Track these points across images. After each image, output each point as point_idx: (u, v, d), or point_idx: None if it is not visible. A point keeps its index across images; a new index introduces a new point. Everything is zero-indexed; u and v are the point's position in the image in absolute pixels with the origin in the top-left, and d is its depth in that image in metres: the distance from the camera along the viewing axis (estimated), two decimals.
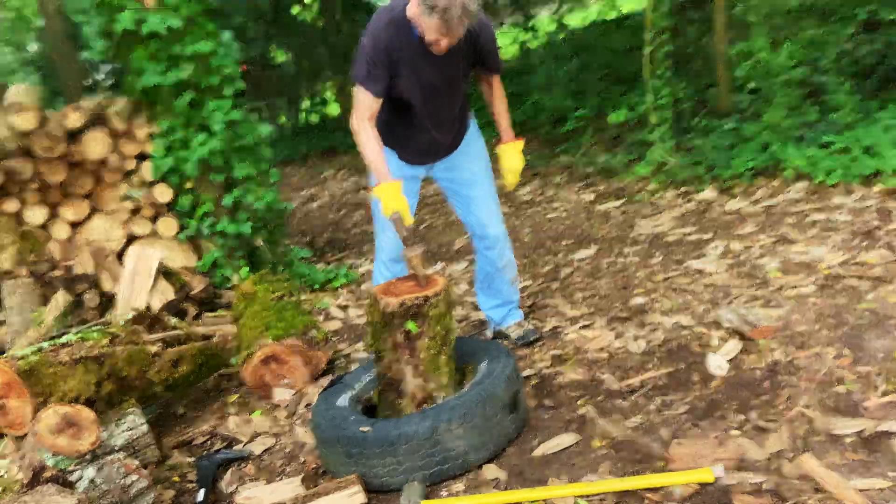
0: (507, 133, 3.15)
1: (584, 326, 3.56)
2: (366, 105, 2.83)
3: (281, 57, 14.40)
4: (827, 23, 6.54)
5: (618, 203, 5.84)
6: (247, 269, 4.92)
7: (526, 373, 3.16)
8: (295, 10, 14.38)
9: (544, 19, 14.01)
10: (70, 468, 2.34)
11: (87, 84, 11.14)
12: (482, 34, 2.85)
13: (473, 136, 3.18)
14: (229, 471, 2.82)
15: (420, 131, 3.03)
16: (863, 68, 5.92)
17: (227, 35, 4.95)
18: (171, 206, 4.99)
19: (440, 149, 3.14)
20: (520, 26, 13.89)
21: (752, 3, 5.88)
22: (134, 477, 2.45)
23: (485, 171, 3.22)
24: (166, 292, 4.29)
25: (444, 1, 2.49)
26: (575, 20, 13.47)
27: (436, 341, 2.60)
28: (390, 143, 3.04)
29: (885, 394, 2.45)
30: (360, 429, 2.45)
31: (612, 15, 10.79)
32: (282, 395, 3.34)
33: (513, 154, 3.15)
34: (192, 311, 4.49)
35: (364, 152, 2.87)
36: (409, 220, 2.80)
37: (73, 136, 4.69)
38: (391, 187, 2.79)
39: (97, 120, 4.77)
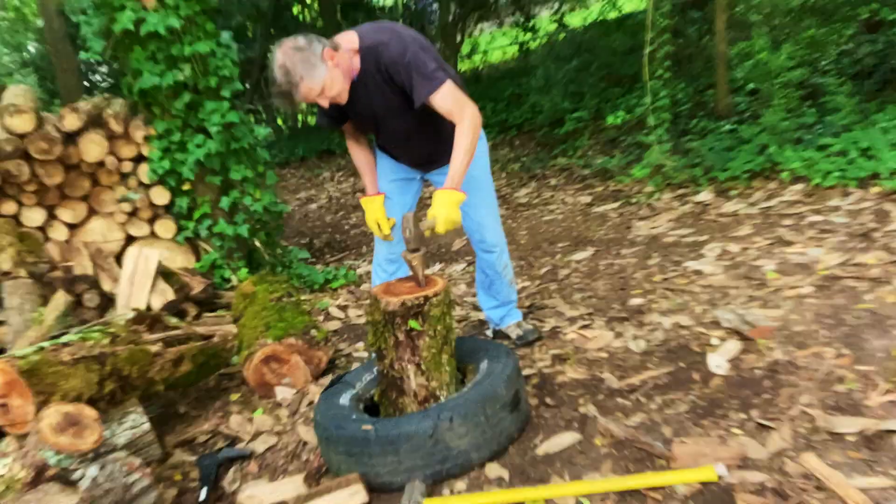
0: (448, 179, 2.69)
1: (584, 326, 3.57)
2: (342, 128, 3.07)
3: None
4: (828, 23, 6.57)
5: (615, 205, 5.86)
6: (245, 270, 4.93)
7: (526, 372, 3.17)
8: (295, 10, 14.40)
9: (544, 19, 14.06)
10: (72, 467, 2.34)
11: (86, 85, 11.13)
12: (390, 68, 2.65)
13: None
14: (231, 469, 2.82)
15: (394, 147, 3.09)
16: (863, 69, 5.95)
17: (226, 35, 4.95)
18: (168, 208, 4.99)
19: (424, 161, 3.11)
20: (520, 26, 13.93)
21: (754, 2, 5.90)
22: (136, 475, 2.45)
23: (482, 175, 3.20)
24: (166, 293, 4.28)
25: (275, 81, 2.56)
26: (575, 20, 13.51)
27: (437, 340, 2.61)
28: (382, 149, 3.16)
29: (885, 392, 2.46)
30: (362, 427, 2.46)
31: (613, 15, 10.81)
32: (283, 393, 3.34)
33: (443, 203, 2.67)
34: (192, 311, 4.48)
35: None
36: (386, 230, 3.04)
37: (71, 137, 4.69)
38: (373, 200, 3.06)
39: (94, 122, 4.78)
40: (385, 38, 2.66)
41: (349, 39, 2.70)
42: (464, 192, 2.71)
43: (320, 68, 2.54)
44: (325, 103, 2.65)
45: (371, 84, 2.72)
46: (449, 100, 2.65)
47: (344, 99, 2.68)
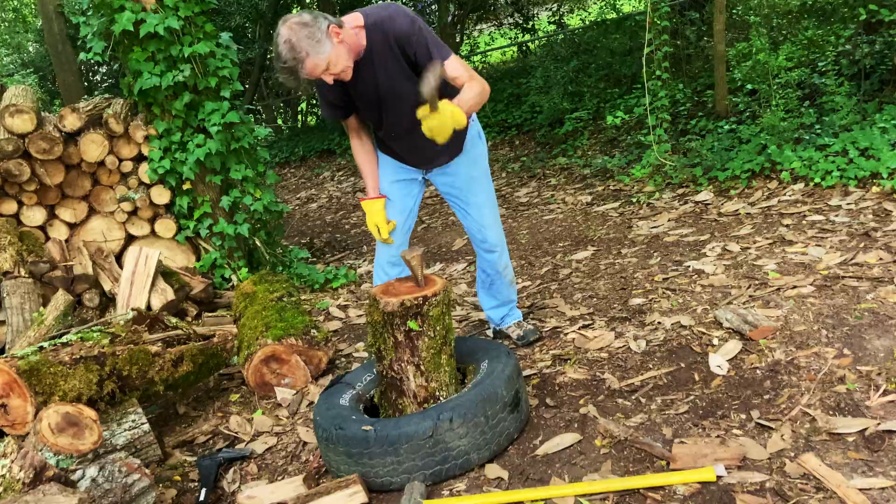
0: (456, 100, 2.62)
1: (584, 326, 3.56)
2: (345, 123, 3.06)
3: None
4: (826, 24, 6.58)
5: (615, 204, 5.85)
6: (246, 269, 4.93)
7: (527, 372, 3.17)
8: (294, 11, 14.39)
9: (543, 20, 14.07)
10: (71, 467, 2.33)
11: (86, 85, 11.12)
12: (401, 39, 2.65)
13: (472, 141, 3.14)
14: (231, 470, 2.82)
15: (396, 139, 3.05)
16: (861, 70, 5.95)
17: (225, 36, 4.95)
18: (168, 208, 4.99)
19: (425, 157, 3.09)
20: (519, 27, 13.93)
21: (752, 3, 5.90)
22: (135, 476, 2.45)
23: (483, 175, 3.19)
24: (166, 292, 4.28)
25: (279, 57, 2.53)
26: (574, 21, 13.52)
27: (436, 340, 2.60)
28: (384, 149, 3.14)
29: (886, 393, 2.46)
30: (362, 428, 2.45)
31: (612, 16, 10.83)
32: (283, 394, 3.34)
33: (451, 107, 2.55)
34: (192, 311, 4.48)
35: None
36: (386, 234, 3.06)
37: (71, 137, 4.69)
38: (374, 203, 3.06)
39: (95, 122, 4.78)
40: (391, 12, 2.68)
41: (353, 17, 2.72)
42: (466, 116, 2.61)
43: (325, 44, 2.52)
44: (329, 80, 2.63)
45: (378, 60, 2.71)
46: (460, 66, 2.71)
47: (348, 76, 2.67)
